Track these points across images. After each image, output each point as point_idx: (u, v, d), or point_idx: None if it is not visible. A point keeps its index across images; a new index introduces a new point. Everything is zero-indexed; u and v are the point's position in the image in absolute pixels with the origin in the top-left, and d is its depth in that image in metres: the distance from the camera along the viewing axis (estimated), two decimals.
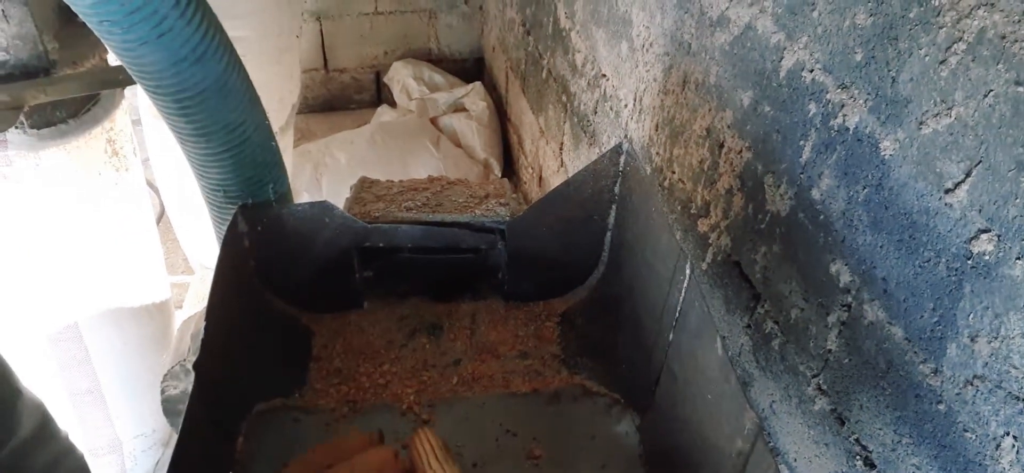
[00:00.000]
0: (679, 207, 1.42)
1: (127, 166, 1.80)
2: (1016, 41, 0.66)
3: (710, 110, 1.26)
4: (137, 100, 2.14)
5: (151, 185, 2.39)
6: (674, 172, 1.44)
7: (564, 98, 2.24)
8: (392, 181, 1.32)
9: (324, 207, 1.08)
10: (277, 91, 2.03)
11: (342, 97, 3.56)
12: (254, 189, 1.12)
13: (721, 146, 1.23)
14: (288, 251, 1.09)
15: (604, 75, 1.84)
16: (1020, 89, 0.66)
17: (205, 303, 0.86)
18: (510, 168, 3.19)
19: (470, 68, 3.60)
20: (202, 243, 2.27)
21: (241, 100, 1.04)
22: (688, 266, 0.83)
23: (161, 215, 2.75)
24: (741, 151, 1.17)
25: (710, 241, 1.30)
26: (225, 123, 1.02)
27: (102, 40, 0.92)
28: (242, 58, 1.08)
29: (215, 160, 1.06)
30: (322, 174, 2.80)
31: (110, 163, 1.78)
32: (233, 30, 1.68)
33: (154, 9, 0.86)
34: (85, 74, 1.53)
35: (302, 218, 1.09)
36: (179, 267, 2.78)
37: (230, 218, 1.02)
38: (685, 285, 0.83)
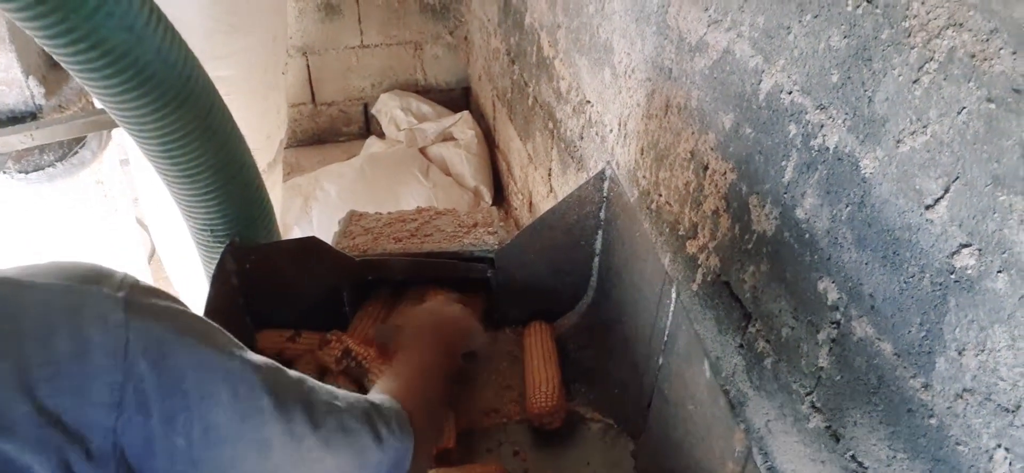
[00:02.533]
0: (667, 229, 1.43)
1: (116, 207, 1.80)
2: (985, 59, 0.68)
3: (693, 133, 1.27)
4: (126, 140, 2.14)
5: (141, 224, 2.39)
6: (661, 195, 1.45)
7: (550, 125, 2.26)
8: (380, 213, 1.33)
9: (312, 243, 1.08)
10: (264, 128, 2.04)
11: (330, 130, 3.57)
12: (242, 227, 1.12)
13: (705, 168, 1.24)
14: (277, 287, 1.09)
15: (589, 101, 1.86)
16: (992, 106, 0.68)
17: None
18: (500, 195, 3.20)
19: (457, 98, 3.63)
20: (194, 281, 2.27)
21: (226, 141, 1.05)
22: (673, 290, 0.83)
23: (152, 253, 2.75)
24: (725, 173, 1.18)
25: (699, 262, 1.31)
26: (210, 164, 1.02)
27: (84, 86, 0.93)
28: (228, 97, 1.09)
29: (201, 200, 1.07)
30: (312, 207, 2.80)
31: (99, 204, 1.77)
32: (218, 70, 1.70)
33: (135, 58, 0.87)
34: (71, 117, 1.54)
35: (290, 254, 1.09)
36: None
37: (218, 257, 1.02)
38: (672, 308, 0.84)
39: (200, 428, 0.53)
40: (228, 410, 0.55)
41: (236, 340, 0.59)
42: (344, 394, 0.66)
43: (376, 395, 0.72)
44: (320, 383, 0.64)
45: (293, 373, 0.62)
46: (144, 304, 0.53)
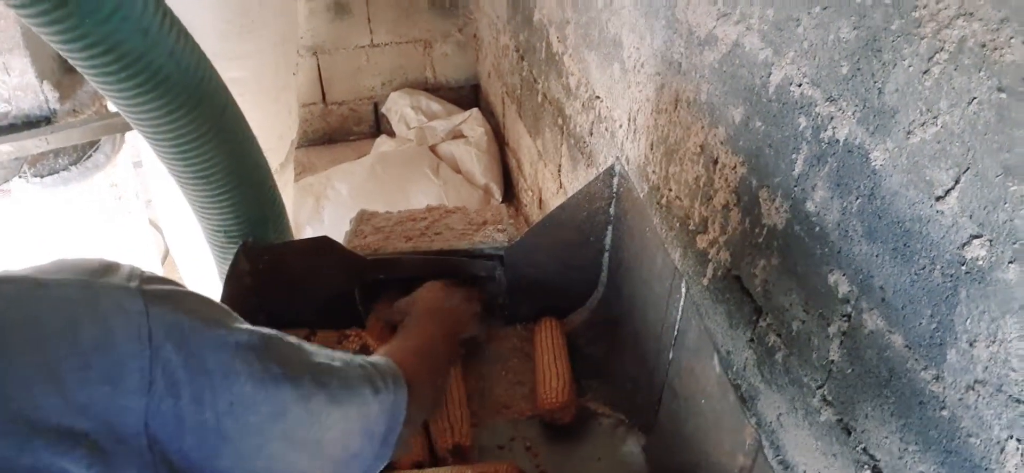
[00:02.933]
0: (677, 224, 1.43)
1: (130, 209, 1.82)
2: (996, 49, 0.67)
3: (703, 127, 1.27)
4: (139, 142, 2.16)
5: (155, 225, 2.41)
6: (671, 189, 1.45)
7: (560, 121, 2.26)
8: (391, 212, 1.33)
9: (324, 242, 1.09)
10: (276, 128, 2.05)
11: (341, 129, 3.58)
12: (255, 228, 1.13)
13: (715, 162, 1.24)
14: (290, 287, 1.10)
15: (598, 97, 1.86)
16: (1003, 95, 0.67)
17: None
18: (510, 192, 3.20)
19: (467, 95, 3.63)
20: (207, 281, 2.29)
21: (239, 142, 1.06)
22: (683, 284, 0.83)
23: (166, 255, 2.77)
24: (735, 167, 1.17)
25: (710, 256, 1.30)
26: (224, 166, 1.03)
27: (98, 90, 0.94)
28: (241, 99, 1.10)
29: (215, 202, 1.08)
30: (324, 206, 2.82)
31: (113, 207, 1.79)
32: (231, 72, 1.71)
33: (149, 61, 0.88)
34: (86, 121, 1.56)
35: (303, 254, 1.10)
36: None
37: (232, 258, 1.03)
38: (681, 303, 0.84)
39: (225, 402, 0.56)
40: (247, 382, 0.58)
41: (239, 316, 0.63)
42: (340, 354, 0.70)
43: (371, 356, 0.77)
44: (315, 346, 0.69)
45: (292, 339, 0.66)
46: (157, 291, 0.56)
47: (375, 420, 0.71)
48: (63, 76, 1.58)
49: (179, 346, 0.54)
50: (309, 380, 0.63)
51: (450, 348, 0.97)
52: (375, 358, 0.76)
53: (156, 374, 0.52)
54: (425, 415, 0.85)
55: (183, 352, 0.54)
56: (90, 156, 1.66)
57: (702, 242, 1.33)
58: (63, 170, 1.60)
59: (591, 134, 1.96)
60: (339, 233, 1.28)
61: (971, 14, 0.70)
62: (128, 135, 1.73)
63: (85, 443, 0.48)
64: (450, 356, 0.96)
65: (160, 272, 1.97)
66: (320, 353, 0.68)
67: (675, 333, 0.87)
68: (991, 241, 0.71)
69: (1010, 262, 0.69)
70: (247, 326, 0.63)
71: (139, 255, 1.94)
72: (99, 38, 0.87)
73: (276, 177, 1.81)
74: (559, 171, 2.37)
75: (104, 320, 0.51)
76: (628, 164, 1.68)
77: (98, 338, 0.50)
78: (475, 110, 3.34)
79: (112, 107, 1.47)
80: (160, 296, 0.55)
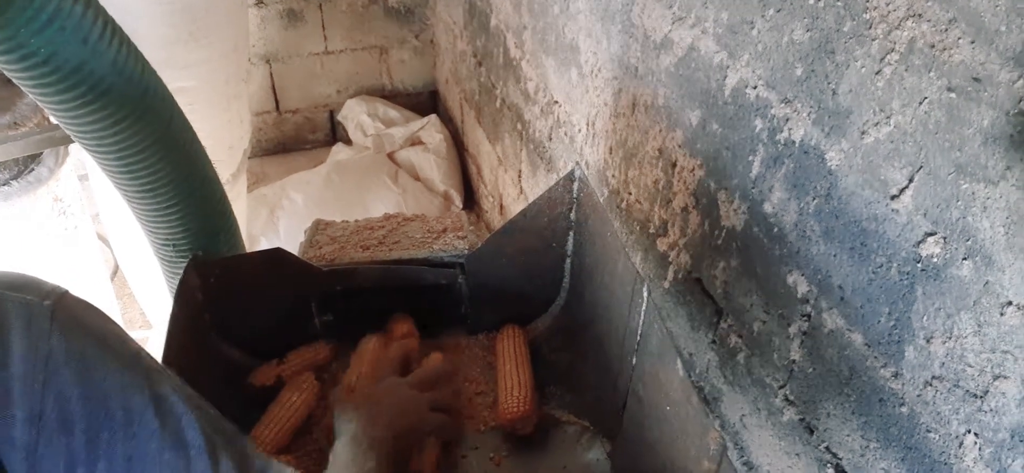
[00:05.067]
0: (638, 227, 1.43)
1: (76, 224, 1.76)
2: (945, 49, 0.68)
3: (661, 131, 1.27)
4: (85, 155, 2.09)
5: (103, 240, 2.33)
6: (631, 193, 1.45)
7: (519, 126, 2.26)
8: (347, 222, 1.31)
9: (277, 254, 1.06)
10: (227, 138, 2.00)
11: (296, 138, 3.53)
12: (204, 241, 1.09)
13: (674, 165, 1.24)
14: (244, 301, 1.06)
15: (556, 102, 1.85)
16: (952, 95, 0.68)
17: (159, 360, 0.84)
18: (471, 198, 3.19)
19: (425, 102, 3.60)
20: (159, 296, 2.22)
21: (186, 153, 1.02)
22: (645, 289, 0.83)
23: (115, 270, 2.69)
24: (693, 169, 1.18)
25: (670, 259, 1.31)
26: (171, 177, 1.00)
27: (38, 102, 0.90)
28: (189, 108, 1.06)
29: (162, 215, 1.04)
30: (279, 217, 2.76)
31: (58, 222, 1.73)
32: (179, 81, 1.66)
33: (90, 72, 0.84)
34: (27, 134, 1.50)
35: (255, 267, 1.07)
36: (136, 322, 2.70)
37: (181, 272, 1.00)
38: (644, 308, 0.83)
39: (123, 453, 0.50)
40: (154, 440, 0.51)
41: (168, 370, 0.57)
42: (274, 462, 0.62)
43: None
44: (250, 444, 0.61)
45: (227, 422, 0.59)
46: (71, 316, 0.50)
47: None
48: (2, 88, 1.52)
49: (79, 377, 0.48)
50: (228, 465, 0.55)
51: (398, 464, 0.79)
52: None
53: (47, 403, 0.46)
54: None
55: (83, 385, 0.48)
56: (32, 170, 1.60)
57: (662, 245, 1.33)
58: (3, 185, 1.54)
59: (550, 139, 1.95)
60: (295, 244, 1.25)
61: (920, 15, 0.71)
62: (72, 148, 1.67)
63: None
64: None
65: (109, 288, 1.90)
66: (256, 450, 0.61)
67: (638, 338, 0.87)
68: (945, 239, 0.72)
69: (963, 259, 0.70)
70: (179, 386, 0.55)
71: (87, 271, 1.87)
72: (36, 48, 0.83)
73: (228, 188, 1.77)
74: (519, 177, 2.36)
75: (4, 335, 0.46)
76: (588, 168, 1.68)
77: None
78: (433, 116, 3.32)
79: (54, 119, 1.42)
80: (72, 322, 0.50)
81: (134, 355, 0.54)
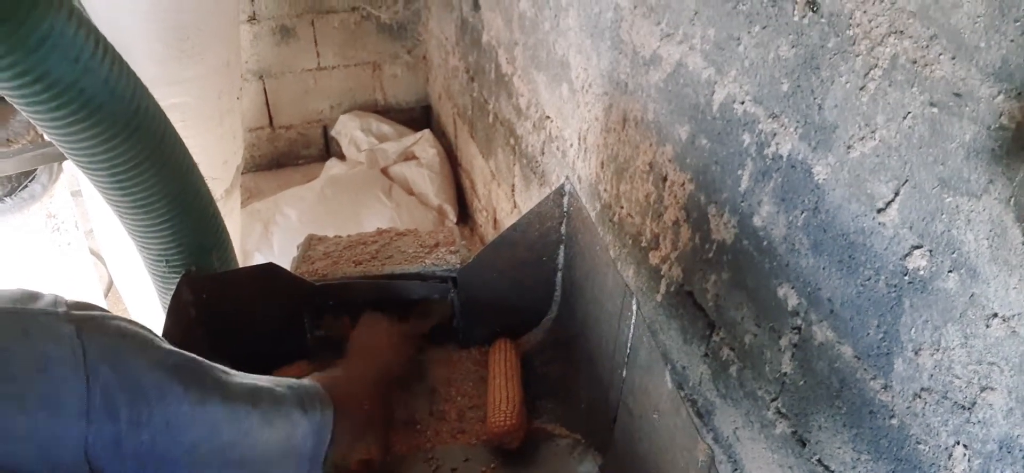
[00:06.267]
0: (630, 241, 1.44)
1: (69, 240, 1.76)
2: (926, 65, 0.69)
3: (651, 145, 1.28)
4: (78, 171, 2.09)
5: (97, 255, 2.33)
6: (622, 207, 1.46)
7: (512, 141, 2.27)
8: (340, 236, 1.31)
9: (270, 269, 1.06)
10: (221, 154, 2.01)
11: (289, 153, 3.53)
12: (197, 256, 1.10)
13: (664, 179, 1.25)
14: (236, 317, 1.06)
15: (548, 117, 1.86)
16: (935, 110, 0.69)
17: None
18: (465, 212, 3.19)
19: (418, 117, 3.61)
20: (152, 312, 2.21)
21: (179, 169, 1.03)
22: (634, 302, 0.83)
23: (109, 286, 2.68)
24: (684, 183, 1.19)
25: (662, 273, 1.31)
26: (163, 194, 1.00)
27: (30, 120, 0.90)
28: (182, 124, 1.07)
29: (155, 231, 1.05)
30: (273, 232, 2.76)
31: (51, 238, 1.73)
32: (173, 97, 1.67)
33: (82, 90, 0.85)
34: (20, 151, 1.50)
35: (248, 282, 1.07)
36: None
37: (174, 288, 1.00)
38: (633, 321, 0.84)
39: (161, 422, 0.57)
40: (182, 402, 0.60)
41: (163, 339, 0.65)
42: (266, 378, 0.73)
43: (299, 380, 0.80)
44: (247, 374, 0.71)
45: (221, 366, 0.68)
46: (86, 316, 0.56)
47: (302, 439, 0.73)
48: None
49: (115, 368, 0.54)
50: (240, 401, 0.65)
51: (380, 380, 0.99)
52: (303, 381, 0.79)
53: (94, 397, 0.52)
54: (352, 439, 0.87)
55: (119, 374, 0.54)
56: (25, 187, 1.60)
57: (654, 258, 1.34)
58: None
59: (543, 153, 1.96)
60: (288, 259, 1.25)
61: (902, 32, 0.72)
62: (66, 164, 1.67)
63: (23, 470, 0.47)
64: (379, 387, 0.97)
65: (104, 304, 1.90)
66: (249, 377, 0.70)
67: (627, 351, 0.87)
68: (931, 251, 0.72)
69: (949, 271, 0.71)
70: (182, 352, 0.64)
71: (81, 287, 1.87)
72: (28, 67, 0.83)
73: (222, 203, 1.77)
74: (512, 191, 2.37)
75: (36, 346, 0.50)
76: (580, 183, 1.69)
77: (31, 365, 0.49)
78: (427, 131, 3.33)
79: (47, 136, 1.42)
80: (89, 321, 0.55)
81: (142, 336, 0.61)
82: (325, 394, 0.78)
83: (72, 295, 0.58)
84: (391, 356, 1.06)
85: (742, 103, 1.00)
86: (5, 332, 0.50)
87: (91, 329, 0.54)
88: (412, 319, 1.17)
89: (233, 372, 0.69)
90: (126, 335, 0.58)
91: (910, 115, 0.72)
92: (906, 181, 0.74)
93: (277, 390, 0.72)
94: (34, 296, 0.55)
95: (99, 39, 0.89)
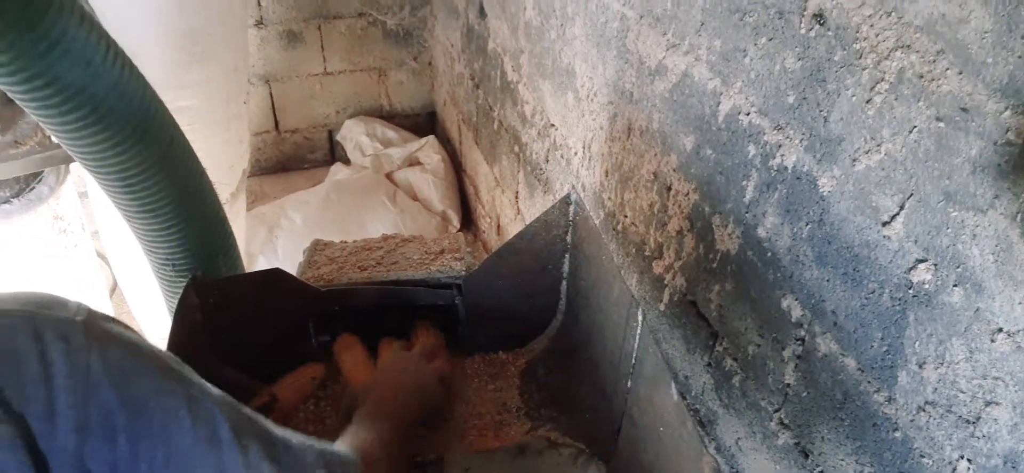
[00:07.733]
0: (633, 250, 1.44)
1: (75, 241, 1.76)
2: (933, 79, 0.70)
3: (656, 155, 1.29)
4: (85, 173, 2.10)
5: (102, 257, 2.34)
6: (626, 216, 1.46)
7: (516, 148, 2.27)
8: (345, 242, 1.32)
9: (276, 274, 1.07)
10: (227, 158, 2.02)
11: (295, 158, 3.54)
12: (204, 261, 1.10)
13: (669, 189, 1.25)
14: (242, 322, 1.07)
15: (553, 125, 1.87)
16: (941, 124, 0.69)
17: None
18: (468, 218, 3.20)
19: (423, 123, 3.63)
20: (157, 314, 2.22)
21: (186, 174, 1.03)
22: (640, 313, 0.83)
23: (114, 288, 2.68)
24: (688, 193, 1.19)
25: (666, 282, 1.32)
26: (171, 198, 1.01)
27: (40, 124, 0.91)
28: (190, 128, 1.08)
29: (162, 235, 1.05)
30: (277, 236, 2.77)
31: (58, 239, 1.74)
32: (180, 100, 1.68)
33: (92, 94, 0.86)
34: (28, 153, 1.51)
35: (254, 287, 1.08)
36: None
37: (181, 292, 1.00)
38: (638, 331, 0.84)
39: (163, 455, 0.53)
40: (189, 437, 0.55)
41: (192, 370, 0.60)
42: (297, 435, 0.67)
43: (329, 443, 0.73)
44: (273, 423, 0.65)
45: (248, 409, 0.63)
46: (103, 329, 0.53)
47: None
48: (3, 107, 1.53)
49: (119, 387, 0.52)
50: (258, 450, 0.60)
51: (411, 438, 0.93)
52: (336, 446, 0.73)
53: (91, 414, 0.50)
54: None
55: (122, 395, 0.52)
56: (33, 188, 1.61)
57: (658, 268, 1.34)
58: (4, 203, 1.55)
59: (547, 161, 1.97)
60: (293, 263, 1.25)
61: (908, 46, 0.72)
62: (73, 166, 1.68)
63: None
64: (406, 450, 0.92)
65: (108, 305, 1.90)
66: (276, 428, 0.65)
67: (633, 361, 0.87)
68: (936, 265, 0.73)
69: (954, 286, 0.71)
70: (203, 384, 0.59)
71: (86, 288, 1.87)
72: (39, 71, 0.84)
73: (228, 207, 1.78)
74: (516, 198, 2.37)
75: (44, 353, 0.49)
76: (584, 191, 1.69)
77: (39, 371, 0.48)
78: (431, 137, 3.34)
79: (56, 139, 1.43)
80: (105, 334, 0.53)
81: (161, 361, 0.58)
82: (359, 466, 0.72)
83: (101, 307, 0.56)
84: (421, 399, 0.98)
85: (747, 114, 1.00)
86: (18, 335, 0.49)
87: (106, 343, 0.52)
88: (438, 357, 1.10)
89: (265, 420, 0.64)
90: (142, 357, 0.55)
91: (916, 129, 0.72)
92: (911, 195, 0.75)
93: (304, 449, 0.66)
94: (58, 303, 0.53)
95: (110, 43, 0.89)
